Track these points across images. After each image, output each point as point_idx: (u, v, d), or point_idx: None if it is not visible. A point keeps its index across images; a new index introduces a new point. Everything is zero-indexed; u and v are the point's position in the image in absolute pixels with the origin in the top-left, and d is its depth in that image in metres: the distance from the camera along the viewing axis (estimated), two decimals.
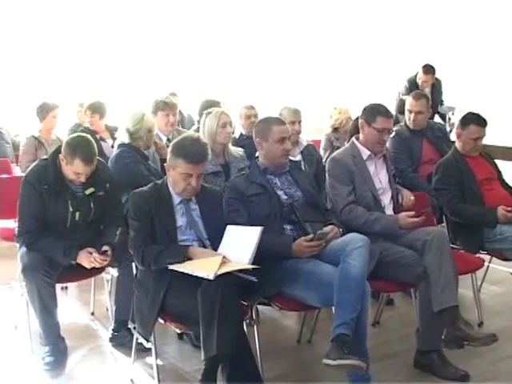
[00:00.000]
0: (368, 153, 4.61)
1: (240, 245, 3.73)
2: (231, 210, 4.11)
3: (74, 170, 4.25)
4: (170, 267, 3.65)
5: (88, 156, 4.25)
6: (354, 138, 4.73)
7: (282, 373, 4.21)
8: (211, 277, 3.41)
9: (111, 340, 4.66)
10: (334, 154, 4.83)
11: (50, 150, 6.46)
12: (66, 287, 5.69)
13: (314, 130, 8.49)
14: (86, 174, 4.29)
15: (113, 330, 4.66)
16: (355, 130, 4.92)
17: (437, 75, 8.95)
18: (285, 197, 4.17)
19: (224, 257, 3.61)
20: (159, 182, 4.04)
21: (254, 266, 3.61)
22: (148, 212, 3.85)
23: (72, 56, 10.94)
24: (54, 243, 4.29)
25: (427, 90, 8.87)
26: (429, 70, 8.95)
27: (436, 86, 9.09)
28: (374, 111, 4.58)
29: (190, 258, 3.68)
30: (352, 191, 4.49)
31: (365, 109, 4.69)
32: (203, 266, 3.53)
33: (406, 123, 6.05)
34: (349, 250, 3.68)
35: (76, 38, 10.95)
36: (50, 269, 4.23)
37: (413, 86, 9.03)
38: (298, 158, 5.39)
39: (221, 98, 7.01)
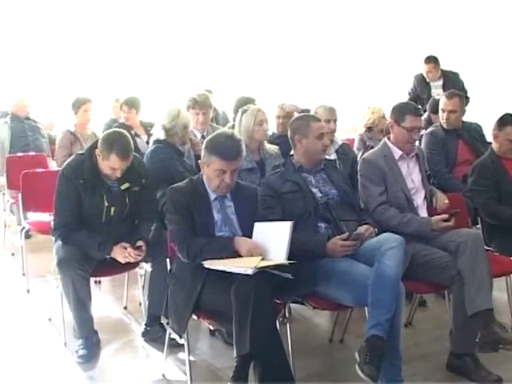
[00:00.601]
0: (400, 153, 4.58)
1: (272, 241, 3.72)
2: (265, 207, 4.11)
3: (110, 165, 4.28)
4: (206, 265, 3.65)
5: (124, 152, 4.28)
6: (385, 138, 4.71)
7: (314, 372, 4.20)
8: (250, 272, 3.42)
9: (143, 335, 4.68)
10: (365, 155, 4.82)
11: (85, 144, 6.57)
12: (100, 281, 5.73)
13: (349, 130, 8.45)
14: (121, 170, 4.32)
15: (145, 324, 4.68)
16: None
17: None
18: (319, 194, 4.16)
19: (262, 257, 3.61)
20: (195, 177, 4.04)
21: (291, 262, 3.60)
22: (187, 207, 3.86)
23: (110, 51, 11.01)
24: (89, 237, 4.32)
25: (440, 83, 8.82)
26: (429, 59, 8.90)
27: (450, 78, 8.97)
28: (403, 110, 4.57)
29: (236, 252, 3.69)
30: (384, 192, 4.47)
31: (393, 108, 4.67)
32: (242, 263, 3.55)
33: (440, 123, 6.00)
34: (383, 250, 3.67)
35: (115, 34, 11.01)
36: (84, 263, 4.28)
37: (420, 81, 9.01)
38: (333, 156, 5.37)
39: (255, 95, 7.00)
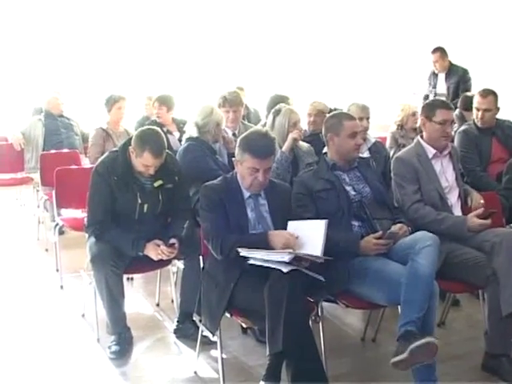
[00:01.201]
0: (433, 151, 4.58)
1: (307, 239, 3.71)
2: (299, 205, 4.10)
3: (144, 162, 4.29)
4: (242, 253, 3.64)
5: (157, 149, 4.29)
6: (418, 137, 4.71)
7: (347, 371, 4.18)
8: (287, 258, 3.44)
9: (175, 332, 4.70)
10: (398, 154, 4.82)
11: (117, 141, 6.61)
12: (132, 278, 5.76)
13: (382, 127, 8.41)
14: (154, 167, 4.33)
15: (177, 321, 4.70)
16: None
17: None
18: (353, 193, 4.14)
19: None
20: (228, 175, 4.05)
21: (327, 258, 3.61)
22: (221, 204, 3.87)
23: (144, 49, 11.07)
24: (123, 234, 4.35)
25: (442, 75, 8.92)
26: (436, 49, 9.00)
27: (453, 72, 9.01)
28: (432, 105, 4.61)
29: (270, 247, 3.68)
30: (418, 190, 4.46)
31: (423, 106, 4.74)
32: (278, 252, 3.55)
33: (474, 121, 5.94)
34: (418, 249, 3.64)
35: (149, 31, 11.07)
36: (117, 259, 4.30)
37: (430, 76, 9.04)
38: (366, 154, 5.35)
39: (288, 92, 6.98)
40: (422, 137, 4.67)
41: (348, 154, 4.23)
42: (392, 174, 4.65)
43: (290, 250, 3.52)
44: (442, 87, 9.13)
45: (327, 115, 4.71)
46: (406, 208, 4.40)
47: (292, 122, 5.21)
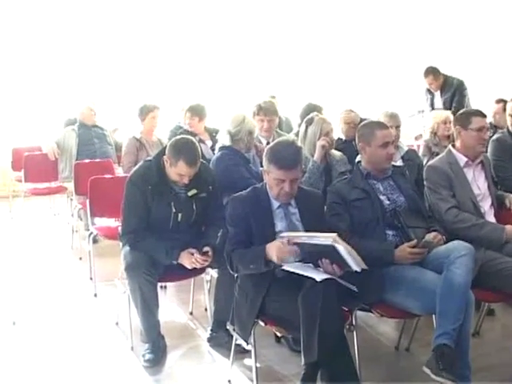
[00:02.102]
0: (465, 159, 4.59)
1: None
2: (333, 214, 4.11)
3: (178, 171, 4.32)
4: (285, 235, 3.65)
5: (192, 158, 4.31)
6: (450, 146, 4.72)
7: (380, 380, 4.16)
8: (329, 241, 3.40)
9: (209, 340, 4.70)
10: (430, 162, 4.84)
11: (150, 151, 6.67)
12: (165, 286, 5.76)
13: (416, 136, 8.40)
14: (189, 176, 4.35)
15: (211, 330, 4.70)
16: None
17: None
18: (387, 202, 4.13)
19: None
20: (259, 185, 4.05)
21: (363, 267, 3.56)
22: (244, 217, 3.87)
23: (177, 59, 11.11)
24: (157, 243, 4.37)
25: (438, 93, 8.91)
26: (427, 72, 9.01)
27: (447, 84, 9.00)
28: (467, 114, 4.67)
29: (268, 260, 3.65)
30: (453, 196, 4.47)
31: (456, 116, 4.79)
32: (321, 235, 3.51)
33: (508, 129, 5.89)
34: (453, 258, 3.63)
35: (181, 42, 11.10)
36: (152, 268, 4.32)
37: (426, 94, 9.09)
38: (399, 163, 5.33)
39: (320, 101, 6.99)
40: (453, 146, 4.67)
41: (380, 164, 4.22)
42: (425, 182, 4.64)
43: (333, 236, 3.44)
44: (439, 102, 9.11)
45: (360, 123, 4.71)
46: (443, 212, 4.40)
47: (324, 131, 5.21)
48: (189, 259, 4.32)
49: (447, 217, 4.36)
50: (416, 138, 8.21)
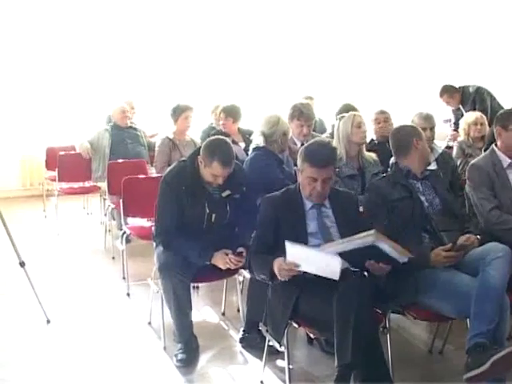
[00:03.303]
0: (508, 161, 4.56)
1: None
2: (370, 215, 4.10)
3: (212, 172, 4.32)
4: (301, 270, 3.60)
5: (226, 159, 4.31)
6: (493, 146, 4.67)
7: (415, 383, 4.14)
8: (371, 239, 3.41)
9: (241, 341, 4.69)
10: (474, 161, 4.79)
11: (183, 151, 6.68)
12: (198, 287, 5.76)
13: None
14: (223, 177, 4.35)
15: (243, 331, 4.69)
16: (492, 138, 4.84)
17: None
18: (426, 203, 4.11)
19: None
20: (292, 186, 4.05)
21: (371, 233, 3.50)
22: (274, 218, 3.88)
23: (211, 60, 11.16)
24: (190, 244, 4.37)
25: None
26: (441, 92, 8.95)
27: (465, 98, 8.91)
28: (507, 115, 4.63)
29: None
30: (495, 196, 4.45)
31: (497, 117, 4.73)
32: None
33: None
34: (489, 260, 3.60)
35: (215, 43, 11.15)
36: (185, 268, 4.33)
37: (455, 112, 9.01)
38: (434, 166, 5.28)
39: (355, 101, 6.97)
40: (496, 145, 4.64)
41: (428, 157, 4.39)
42: (467, 181, 4.63)
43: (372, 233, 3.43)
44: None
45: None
46: (487, 211, 4.38)
47: (356, 122, 5.19)
48: (223, 260, 4.32)
49: (490, 216, 4.34)
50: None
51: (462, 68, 10.56)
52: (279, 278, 3.61)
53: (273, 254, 3.74)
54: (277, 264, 3.60)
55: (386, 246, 3.47)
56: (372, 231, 3.42)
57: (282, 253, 3.61)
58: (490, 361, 3.34)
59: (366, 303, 3.44)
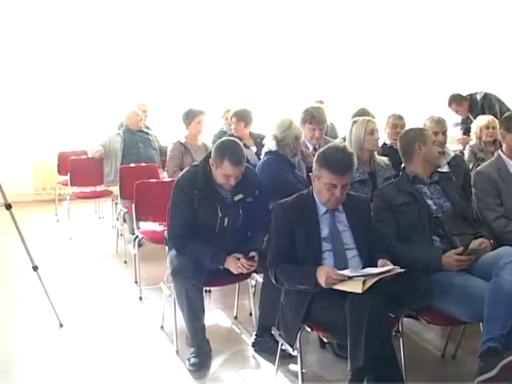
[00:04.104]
0: None
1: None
2: (378, 219, 4.10)
3: (224, 172, 4.33)
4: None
5: (237, 157, 4.33)
6: (499, 151, 4.67)
7: None
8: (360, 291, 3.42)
9: (254, 345, 4.69)
10: (479, 167, 4.80)
11: (196, 155, 6.69)
12: (210, 290, 5.77)
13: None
14: (235, 177, 4.36)
15: (256, 335, 4.69)
16: None
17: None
18: (434, 207, 4.11)
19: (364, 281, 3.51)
20: (304, 192, 4.03)
21: (401, 270, 3.56)
22: (288, 224, 3.86)
23: (222, 65, 11.19)
24: (203, 247, 4.38)
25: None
26: (449, 102, 9.00)
27: (474, 106, 8.94)
28: (511, 117, 4.64)
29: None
30: (501, 204, 4.42)
31: (502, 119, 4.74)
32: (348, 287, 3.50)
33: None
34: (502, 264, 3.59)
35: (226, 48, 11.17)
36: (198, 272, 4.32)
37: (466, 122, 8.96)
38: (446, 169, 5.28)
39: (365, 105, 6.97)
40: (502, 150, 4.62)
41: (434, 161, 4.31)
42: (473, 188, 4.60)
43: (359, 290, 3.44)
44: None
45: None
46: (490, 221, 4.35)
47: (369, 129, 5.18)
48: (235, 264, 4.32)
49: (495, 226, 4.32)
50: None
51: (472, 72, 10.60)
52: (324, 285, 3.58)
53: (294, 261, 3.78)
54: (324, 272, 3.58)
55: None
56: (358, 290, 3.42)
57: (300, 259, 3.73)
58: (498, 366, 3.34)
59: (379, 307, 3.43)
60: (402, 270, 3.56)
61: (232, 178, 4.37)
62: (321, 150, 4.02)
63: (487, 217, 4.38)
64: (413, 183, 4.21)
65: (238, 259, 4.31)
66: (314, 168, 3.92)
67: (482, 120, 6.80)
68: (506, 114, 4.81)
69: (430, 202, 4.13)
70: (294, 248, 3.83)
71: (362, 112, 6.32)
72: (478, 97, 8.91)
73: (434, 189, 4.23)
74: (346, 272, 3.60)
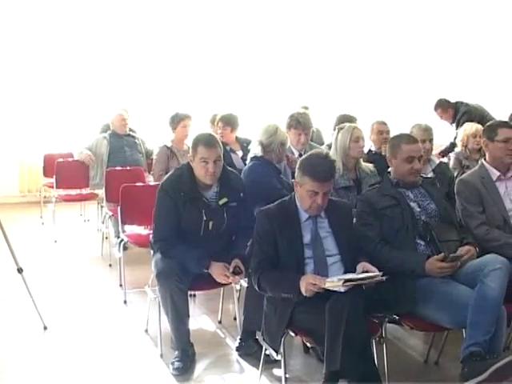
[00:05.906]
0: (497, 173, 4.59)
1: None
2: (363, 223, 4.12)
3: (200, 157, 4.36)
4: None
5: (209, 140, 4.43)
6: (482, 160, 4.72)
7: None
8: (342, 289, 3.44)
9: (238, 349, 4.70)
10: (463, 176, 4.84)
11: (182, 160, 6.69)
12: (194, 295, 5.77)
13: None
14: (213, 161, 4.37)
15: (240, 339, 4.70)
16: None
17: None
18: (418, 209, 4.14)
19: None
20: (287, 198, 4.05)
21: (384, 277, 3.59)
22: (271, 231, 3.88)
23: (208, 68, 11.21)
24: (188, 251, 4.39)
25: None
26: (435, 107, 9.08)
27: (457, 114, 8.96)
28: (493, 126, 4.70)
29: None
30: (483, 212, 4.45)
31: (484, 129, 4.80)
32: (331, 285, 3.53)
33: None
34: (487, 271, 3.62)
35: (212, 52, 11.19)
36: (183, 276, 4.33)
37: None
38: (430, 175, 5.31)
39: (350, 111, 7.00)
40: (485, 159, 4.66)
41: (404, 177, 4.24)
42: (456, 196, 4.64)
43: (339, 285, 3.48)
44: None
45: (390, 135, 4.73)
46: (472, 228, 4.38)
47: (354, 136, 5.20)
48: (220, 271, 4.33)
49: (477, 233, 4.35)
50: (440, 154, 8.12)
51: (460, 79, 10.63)
52: (304, 293, 3.60)
53: (277, 268, 3.81)
54: (304, 283, 3.59)
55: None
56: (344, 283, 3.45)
57: (283, 266, 3.76)
58: (490, 369, 3.36)
59: (358, 311, 3.46)
60: (384, 278, 3.58)
61: (210, 163, 4.37)
62: (303, 157, 4.06)
63: (469, 224, 4.41)
64: (396, 187, 4.24)
65: (226, 274, 4.32)
66: (296, 175, 3.94)
67: (469, 128, 6.82)
68: (488, 124, 4.84)
69: (413, 204, 4.16)
70: (276, 255, 3.85)
71: (343, 118, 6.35)
72: (461, 108, 8.95)
73: (417, 192, 4.26)
74: (329, 279, 3.60)
